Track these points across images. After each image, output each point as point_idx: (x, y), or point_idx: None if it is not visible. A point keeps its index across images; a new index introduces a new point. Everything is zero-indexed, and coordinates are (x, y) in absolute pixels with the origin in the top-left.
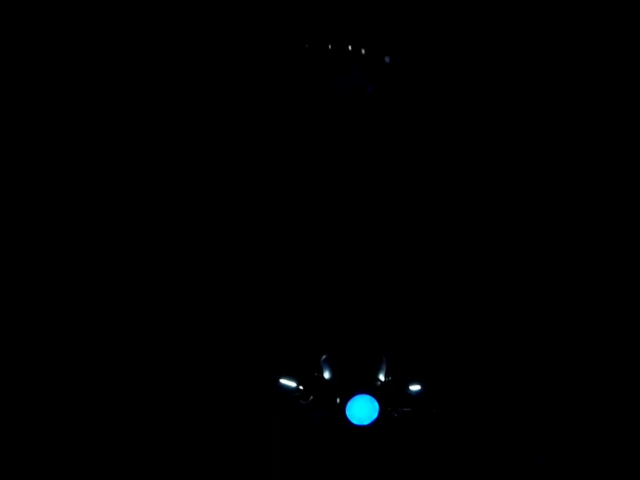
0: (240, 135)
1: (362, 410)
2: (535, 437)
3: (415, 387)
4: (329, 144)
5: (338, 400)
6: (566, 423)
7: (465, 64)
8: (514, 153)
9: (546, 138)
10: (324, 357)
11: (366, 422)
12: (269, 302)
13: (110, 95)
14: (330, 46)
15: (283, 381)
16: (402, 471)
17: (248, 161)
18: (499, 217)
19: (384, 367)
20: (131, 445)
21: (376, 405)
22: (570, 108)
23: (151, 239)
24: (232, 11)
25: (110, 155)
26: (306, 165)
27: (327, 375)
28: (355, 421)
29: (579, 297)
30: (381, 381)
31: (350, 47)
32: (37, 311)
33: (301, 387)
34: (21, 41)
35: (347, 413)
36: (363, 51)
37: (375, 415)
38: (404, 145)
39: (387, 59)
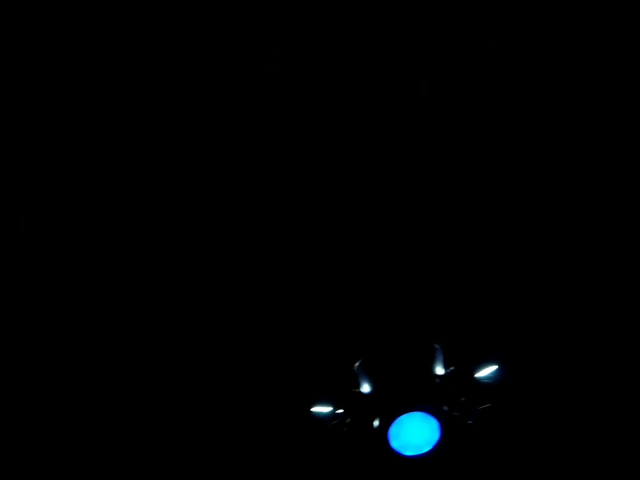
0: (240, 136)
1: (415, 434)
2: None
3: (489, 370)
4: (331, 146)
5: (377, 423)
6: None
7: (465, 68)
8: (517, 159)
9: (549, 143)
10: (358, 362)
11: (424, 449)
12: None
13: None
14: None
15: (316, 409)
16: None
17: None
18: (500, 224)
19: (440, 357)
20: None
21: (433, 423)
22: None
23: (145, 240)
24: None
25: (109, 157)
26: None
27: (365, 388)
28: (408, 452)
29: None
30: (439, 376)
31: None
32: (37, 311)
33: (339, 411)
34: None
35: (393, 444)
36: None
37: (436, 437)
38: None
39: None
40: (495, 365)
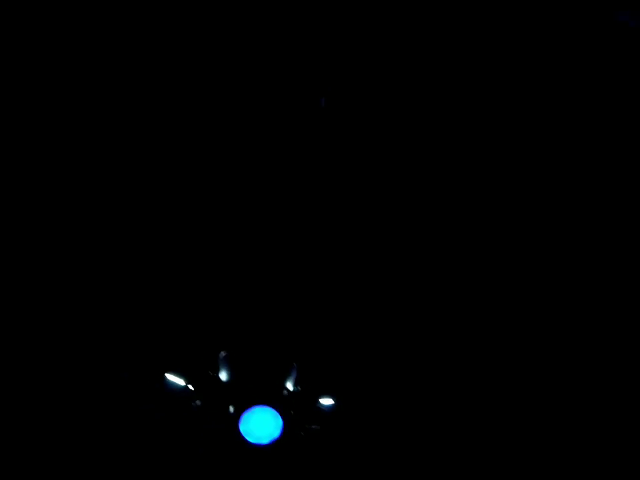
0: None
1: (261, 426)
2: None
3: (326, 401)
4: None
5: (232, 409)
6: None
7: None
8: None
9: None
10: (223, 353)
11: (265, 440)
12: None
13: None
14: None
15: (170, 377)
16: None
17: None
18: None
19: (294, 375)
20: None
21: (279, 421)
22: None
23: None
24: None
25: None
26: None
27: (223, 375)
28: (252, 439)
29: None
30: (288, 390)
31: None
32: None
33: (190, 387)
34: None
35: (242, 429)
36: None
37: (278, 433)
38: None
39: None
40: (333, 399)
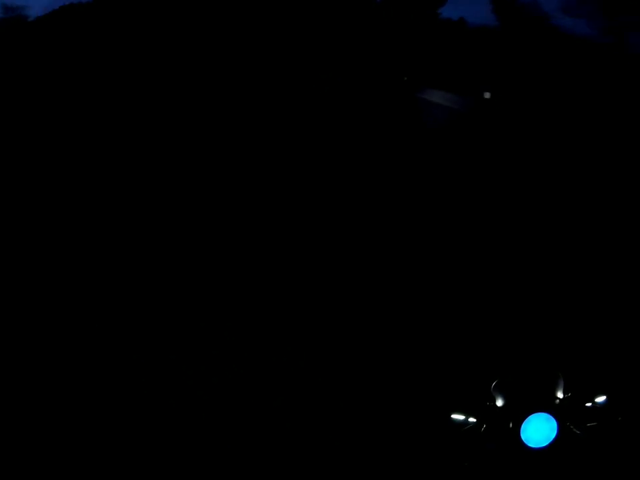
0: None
1: (538, 431)
2: None
3: (600, 399)
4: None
5: (511, 424)
6: None
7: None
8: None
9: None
10: (494, 383)
11: (544, 443)
12: None
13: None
14: None
15: (455, 416)
16: None
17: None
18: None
19: (561, 384)
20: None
21: (553, 424)
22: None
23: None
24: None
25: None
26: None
27: (499, 402)
28: (532, 444)
29: None
30: (559, 398)
31: None
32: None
33: (471, 419)
34: None
35: (523, 437)
36: None
37: (553, 435)
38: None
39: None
40: (604, 395)
